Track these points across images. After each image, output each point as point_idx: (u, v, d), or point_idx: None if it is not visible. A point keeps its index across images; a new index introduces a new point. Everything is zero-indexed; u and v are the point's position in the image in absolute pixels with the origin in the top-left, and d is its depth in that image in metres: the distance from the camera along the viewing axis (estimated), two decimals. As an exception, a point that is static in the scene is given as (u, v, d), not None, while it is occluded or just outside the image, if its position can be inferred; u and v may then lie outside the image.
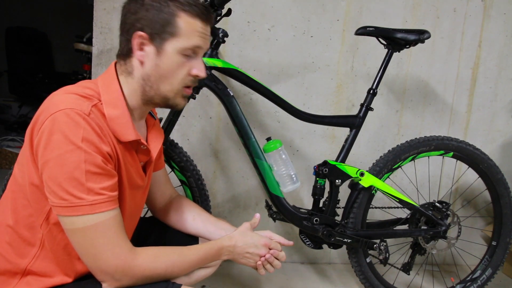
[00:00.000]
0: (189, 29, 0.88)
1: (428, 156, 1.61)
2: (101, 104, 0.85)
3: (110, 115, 0.85)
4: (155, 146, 1.01)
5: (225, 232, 1.12)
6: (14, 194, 0.87)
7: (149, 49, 0.88)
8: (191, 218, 1.16)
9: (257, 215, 1.14)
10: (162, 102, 0.94)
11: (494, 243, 1.71)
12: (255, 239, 1.04)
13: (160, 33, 0.87)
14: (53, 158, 0.77)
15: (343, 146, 1.53)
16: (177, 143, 1.45)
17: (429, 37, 1.48)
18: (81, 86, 0.88)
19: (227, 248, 1.01)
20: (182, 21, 0.87)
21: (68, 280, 0.90)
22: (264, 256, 1.03)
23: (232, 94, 1.40)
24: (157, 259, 0.88)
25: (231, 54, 1.79)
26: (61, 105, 0.79)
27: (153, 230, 1.18)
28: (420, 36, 1.47)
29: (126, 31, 0.88)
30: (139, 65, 0.89)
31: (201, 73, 0.93)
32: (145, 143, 0.94)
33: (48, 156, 0.77)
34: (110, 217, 0.81)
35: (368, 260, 1.59)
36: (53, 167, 0.77)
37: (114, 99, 0.87)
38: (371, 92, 1.54)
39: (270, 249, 1.05)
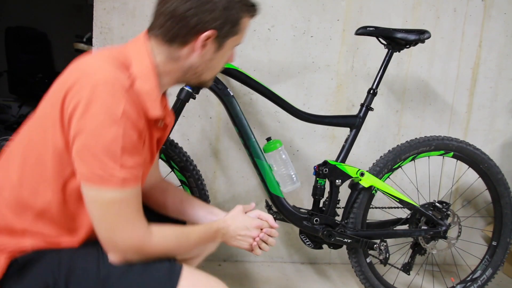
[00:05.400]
0: (246, 27, 0.92)
1: (428, 156, 1.61)
2: (132, 75, 0.83)
3: (140, 88, 0.83)
4: (171, 123, 1.00)
5: (216, 216, 1.11)
6: (25, 153, 0.83)
7: (211, 45, 0.88)
8: (179, 201, 1.13)
9: (253, 204, 1.13)
10: (197, 84, 0.96)
11: (494, 243, 1.71)
12: (246, 221, 1.04)
13: (227, 32, 0.88)
14: (91, 127, 0.75)
15: (343, 146, 1.53)
16: (177, 143, 1.45)
17: (429, 37, 1.48)
18: (114, 52, 0.85)
19: (221, 231, 1.01)
20: (244, 21, 0.90)
21: (73, 240, 0.87)
22: (258, 236, 1.04)
23: (232, 94, 1.40)
24: (168, 238, 0.87)
25: (231, 54, 1.78)
26: (100, 74, 0.77)
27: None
28: (420, 36, 1.47)
29: (192, 26, 0.84)
30: (189, 55, 0.88)
31: (233, 59, 0.99)
32: (166, 121, 0.93)
33: (84, 125, 0.75)
34: (134, 194, 0.81)
35: (368, 260, 1.58)
36: (89, 136, 0.75)
37: (147, 73, 0.85)
38: (371, 92, 1.54)
39: (261, 229, 1.06)
